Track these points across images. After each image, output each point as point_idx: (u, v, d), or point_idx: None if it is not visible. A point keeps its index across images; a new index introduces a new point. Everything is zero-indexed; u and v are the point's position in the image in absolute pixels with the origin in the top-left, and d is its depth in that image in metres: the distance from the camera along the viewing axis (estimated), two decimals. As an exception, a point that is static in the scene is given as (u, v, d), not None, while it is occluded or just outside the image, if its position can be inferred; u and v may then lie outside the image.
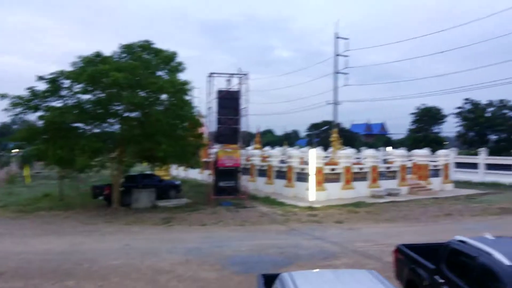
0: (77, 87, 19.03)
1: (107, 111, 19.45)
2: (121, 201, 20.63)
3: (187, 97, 20.49)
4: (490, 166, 33.04)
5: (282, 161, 27.82)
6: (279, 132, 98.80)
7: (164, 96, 20.05)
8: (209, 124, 24.82)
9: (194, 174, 34.58)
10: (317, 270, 6.73)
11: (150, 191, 21.69)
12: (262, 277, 6.32)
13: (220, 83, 23.88)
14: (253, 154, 30.63)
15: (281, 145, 51.46)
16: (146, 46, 20.22)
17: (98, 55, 19.41)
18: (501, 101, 47.30)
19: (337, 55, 54.89)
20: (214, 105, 23.50)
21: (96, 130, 19.88)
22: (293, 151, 27.80)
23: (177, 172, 38.43)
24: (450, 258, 6.48)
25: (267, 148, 39.47)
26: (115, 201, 20.35)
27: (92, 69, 18.00)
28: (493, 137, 47.50)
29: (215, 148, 24.11)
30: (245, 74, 24.09)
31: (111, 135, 19.99)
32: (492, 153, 37.11)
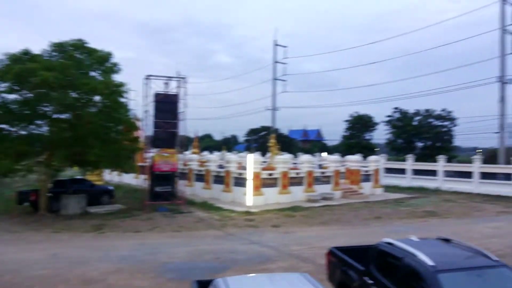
0: (2, 86, 17.81)
1: (35, 112, 18.36)
2: (49, 208, 19.51)
3: (122, 99, 19.87)
4: (417, 172, 35.09)
5: (220, 166, 27.74)
6: (218, 137, 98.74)
7: (97, 98, 19.26)
8: (146, 127, 24.18)
9: (129, 179, 33.50)
10: (251, 274, 6.75)
11: (80, 196, 20.70)
12: (196, 284, 6.22)
13: (158, 86, 23.38)
14: (191, 158, 30.27)
15: (219, 150, 51.34)
16: (79, 45, 19.33)
17: (26, 52, 18.29)
18: (427, 110, 50.54)
19: (276, 62, 56.12)
20: (151, 108, 22.95)
21: (23, 132, 18.68)
22: (232, 156, 27.85)
23: (111, 177, 37.02)
24: (379, 259, 6.77)
25: (205, 153, 39.11)
26: (42, 208, 19.20)
27: (19, 67, 16.92)
28: (420, 144, 50.58)
29: (152, 152, 23.53)
30: (183, 78, 23.82)
31: (39, 137, 18.87)
32: (418, 159, 39.46)
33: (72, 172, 30.68)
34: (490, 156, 40.72)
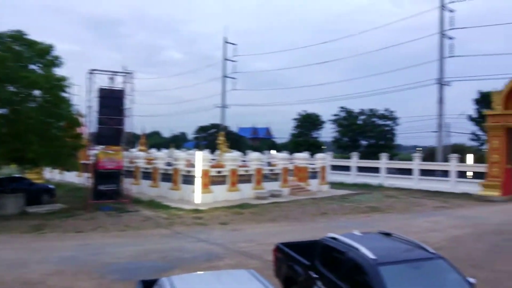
0: None
1: (-33, 106, 17.16)
2: (-17, 208, 18.31)
3: (64, 94, 18.98)
4: (361, 169, 36.31)
5: (169, 164, 27.28)
6: (166, 134, 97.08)
7: (37, 92, 18.28)
8: (89, 124, 23.26)
9: (72, 177, 32.16)
10: (197, 272, 6.69)
11: (18, 195, 19.60)
12: (141, 284, 6.07)
13: (104, 81, 22.55)
14: (138, 156, 29.53)
15: (168, 147, 50.53)
16: (17, 37, 18.20)
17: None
18: (371, 110, 52.42)
19: (226, 59, 56.04)
20: (95, 104, 22.10)
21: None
22: (180, 154, 27.46)
23: (52, 175, 35.36)
24: (323, 254, 6.92)
25: (153, 150, 38.33)
26: (-24, 208, 18.00)
27: None
28: (364, 142, 52.37)
29: (96, 150, 22.69)
30: (130, 73, 23.11)
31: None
32: (362, 157, 40.80)
33: (10, 170, 28.99)
34: (429, 154, 42.91)
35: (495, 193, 26.20)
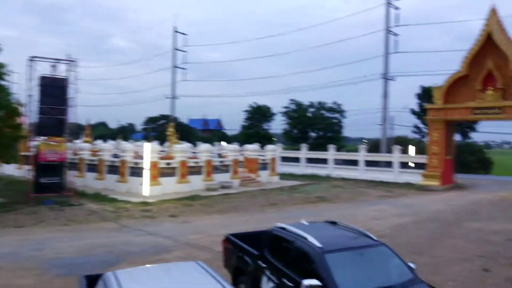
0: None
1: None
2: None
3: (2, 82, 17.89)
4: (310, 160, 37.05)
5: (115, 155, 26.49)
6: (113, 125, 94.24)
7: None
8: (30, 114, 22.07)
9: (11, 170, 30.48)
10: (144, 266, 6.55)
11: (-50, 190, 18.34)
12: (84, 279, 5.86)
13: (46, 69, 21.43)
14: (82, 147, 28.46)
15: (115, 138, 49.07)
16: None
17: None
18: (320, 103, 53.54)
19: (176, 49, 55.00)
20: (36, 93, 20.98)
21: None
22: (127, 145, 26.75)
23: (-11, 168, 33.33)
24: (272, 244, 7.00)
25: (99, 142, 37.10)
26: None
27: None
28: (313, 134, 53.45)
29: (37, 141, 21.59)
30: (73, 61, 22.09)
31: None
32: (311, 148, 41.66)
33: None
34: (374, 146, 44.54)
35: (435, 182, 27.64)
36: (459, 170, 33.62)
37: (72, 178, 22.78)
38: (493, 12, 26.03)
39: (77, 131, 34.37)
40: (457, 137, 41.88)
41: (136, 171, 23.27)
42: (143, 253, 11.33)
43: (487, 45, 26.18)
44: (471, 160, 45.46)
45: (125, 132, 79.87)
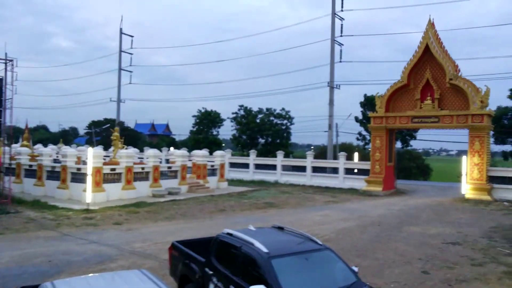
0: None
1: None
2: None
3: None
4: (258, 166, 37.27)
5: (56, 161, 25.30)
6: (55, 128, 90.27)
7: None
8: (-38, 115, 20.62)
9: None
10: (85, 275, 6.27)
11: None
12: (19, 291, 5.53)
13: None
14: (20, 152, 26.96)
15: (56, 143, 46.92)
16: None
17: None
18: (268, 109, 54.19)
19: (122, 51, 53.61)
20: (-31, 93, 19.68)
21: None
22: (69, 150, 25.57)
23: None
24: (219, 250, 6.94)
25: (38, 146, 35.30)
26: None
27: None
28: (262, 140, 53.94)
29: (-31, 145, 20.21)
30: (11, 60, 20.97)
31: None
32: (260, 154, 42.00)
33: None
34: (321, 152, 45.60)
35: (377, 188, 28.72)
36: (400, 176, 35.23)
37: (8, 184, 21.51)
38: (431, 25, 27.61)
39: (15, 134, 32.57)
40: (398, 145, 43.86)
41: (79, 177, 22.34)
42: (85, 263, 10.87)
43: (425, 56, 27.70)
44: (411, 167, 47.79)
45: (67, 136, 76.75)
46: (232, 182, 32.86)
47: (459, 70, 27.46)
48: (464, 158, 26.76)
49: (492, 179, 26.26)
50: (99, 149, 25.68)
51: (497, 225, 17.64)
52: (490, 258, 12.00)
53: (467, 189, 26.07)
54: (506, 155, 44.09)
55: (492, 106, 29.21)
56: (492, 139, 35.53)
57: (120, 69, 53.44)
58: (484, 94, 25.80)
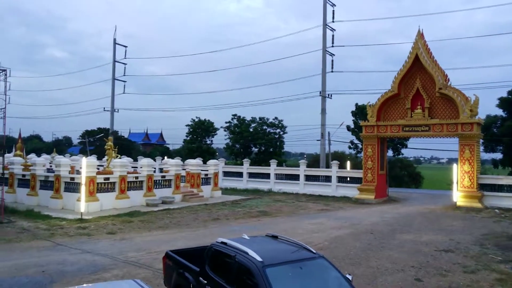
0: None
1: None
2: None
3: None
4: (252, 175, 37.34)
5: (50, 170, 25.22)
6: (48, 138, 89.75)
7: None
8: (-46, 125, 20.55)
9: None
10: (80, 285, 6.33)
11: None
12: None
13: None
14: (13, 161, 26.86)
15: (49, 152, 46.70)
16: None
17: None
18: (261, 118, 54.37)
19: (116, 61, 53.69)
20: (-38, 103, 19.64)
21: None
22: (63, 159, 25.53)
23: None
24: (213, 259, 7.01)
25: (32, 156, 35.16)
26: None
27: None
28: (255, 149, 54.05)
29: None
30: (4, 70, 21.01)
31: None
32: (254, 163, 42.08)
33: None
34: (314, 161, 45.78)
35: (370, 196, 28.90)
36: (392, 184, 35.46)
37: (2, 194, 21.41)
38: (420, 36, 28.03)
39: (8, 144, 32.44)
40: (390, 153, 44.17)
41: (72, 187, 22.31)
42: (79, 273, 10.86)
43: (415, 66, 28.10)
44: (402, 175, 48.11)
45: (61, 146, 76.41)
46: (226, 191, 32.88)
47: (448, 80, 27.86)
48: (454, 166, 27.04)
49: (483, 187, 26.54)
50: (92, 159, 25.66)
51: (489, 232, 17.84)
52: (483, 265, 12.15)
53: (458, 196, 26.30)
54: (496, 163, 44.53)
55: (482, 115, 29.66)
56: (482, 147, 35.89)
57: (114, 78, 53.48)
58: (473, 103, 26.17)
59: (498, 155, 43.57)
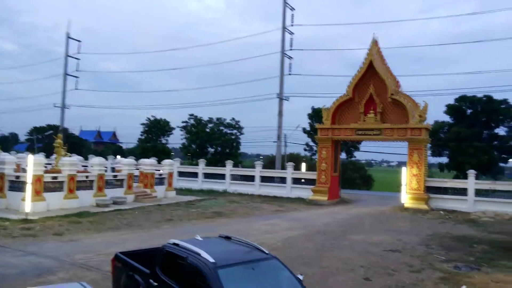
0: None
1: None
2: None
3: None
4: (207, 175, 37.06)
5: (-8, 168, 23.84)
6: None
7: None
8: None
9: None
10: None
11: None
12: None
13: None
14: (-48, 158, 25.22)
15: (-7, 149, 44.22)
16: None
17: None
18: (218, 119, 54.15)
19: (68, 56, 51.82)
20: None
21: None
22: (8, 157, 24.24)
23: None
24: (165, 261, 6.86)
25: (-28, 152, 33.14)
26: None
27: None
28: (211, 149, 53.74)
29: None
30: None
31: None
32: (209, 163, 41.79)
33: None
34: (270, 162, 46.14)
35: (323, 197, 29.46)
36: (344, 186, 36.30)
37: None
38: (375, 43, 28.95)
39: None
40: (343, 156, 45.27)
41: (17, 186, 21.23)
42: (22, 275, 10.34)
43: (369, 72, 28.96)
44: (354, 177, 49.37)
45: (7, 143, 72.72)
46: (180, 191, 32.46)
47: (400, 86, 28.92)
48: (403, 169, 28.10)
49: (429, 189, 27.72)
50: (40, 157, 24.53)
51: (434, 233, 18.65)
52: (427, 265, 12.67)
53: (406, 198, 27.34)
54: (442, 167, 46.83)
55: (430, 121, 30.92)
56: (429, 152, 37.56)
57: (65, 74, 51.60)
58: (423, 109, 27.30)
59: (444, 159, 45.85)
